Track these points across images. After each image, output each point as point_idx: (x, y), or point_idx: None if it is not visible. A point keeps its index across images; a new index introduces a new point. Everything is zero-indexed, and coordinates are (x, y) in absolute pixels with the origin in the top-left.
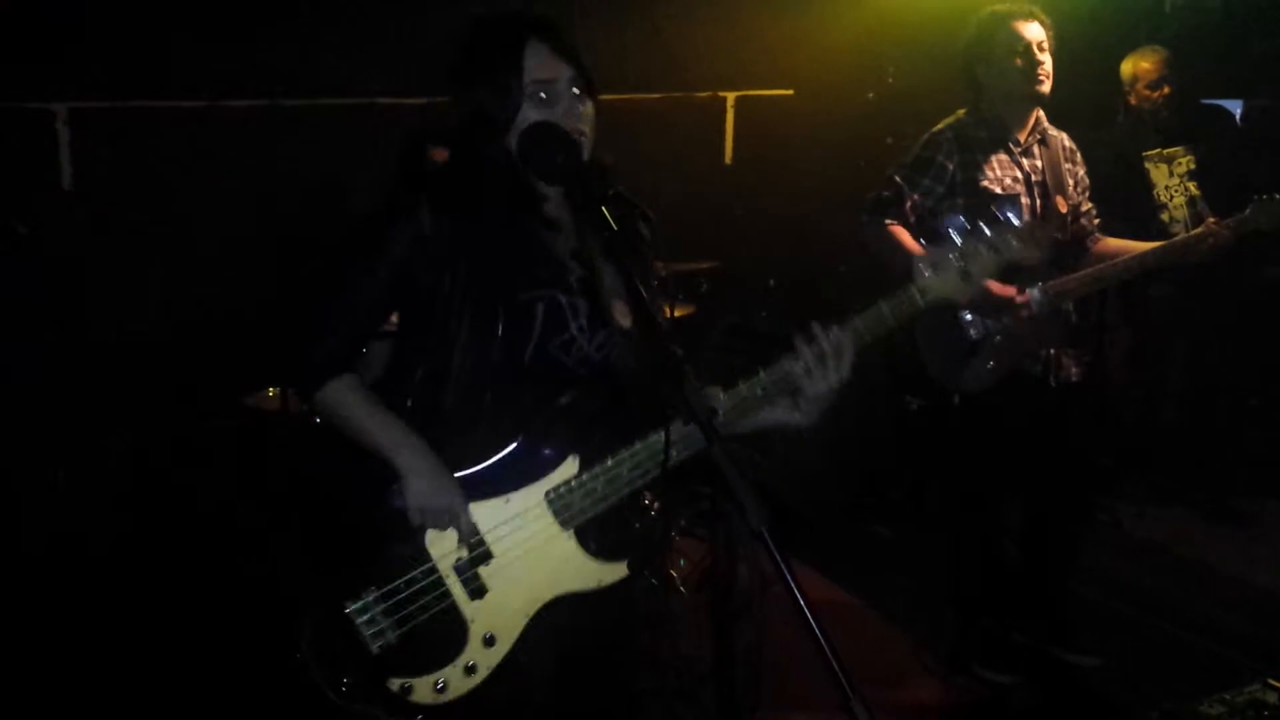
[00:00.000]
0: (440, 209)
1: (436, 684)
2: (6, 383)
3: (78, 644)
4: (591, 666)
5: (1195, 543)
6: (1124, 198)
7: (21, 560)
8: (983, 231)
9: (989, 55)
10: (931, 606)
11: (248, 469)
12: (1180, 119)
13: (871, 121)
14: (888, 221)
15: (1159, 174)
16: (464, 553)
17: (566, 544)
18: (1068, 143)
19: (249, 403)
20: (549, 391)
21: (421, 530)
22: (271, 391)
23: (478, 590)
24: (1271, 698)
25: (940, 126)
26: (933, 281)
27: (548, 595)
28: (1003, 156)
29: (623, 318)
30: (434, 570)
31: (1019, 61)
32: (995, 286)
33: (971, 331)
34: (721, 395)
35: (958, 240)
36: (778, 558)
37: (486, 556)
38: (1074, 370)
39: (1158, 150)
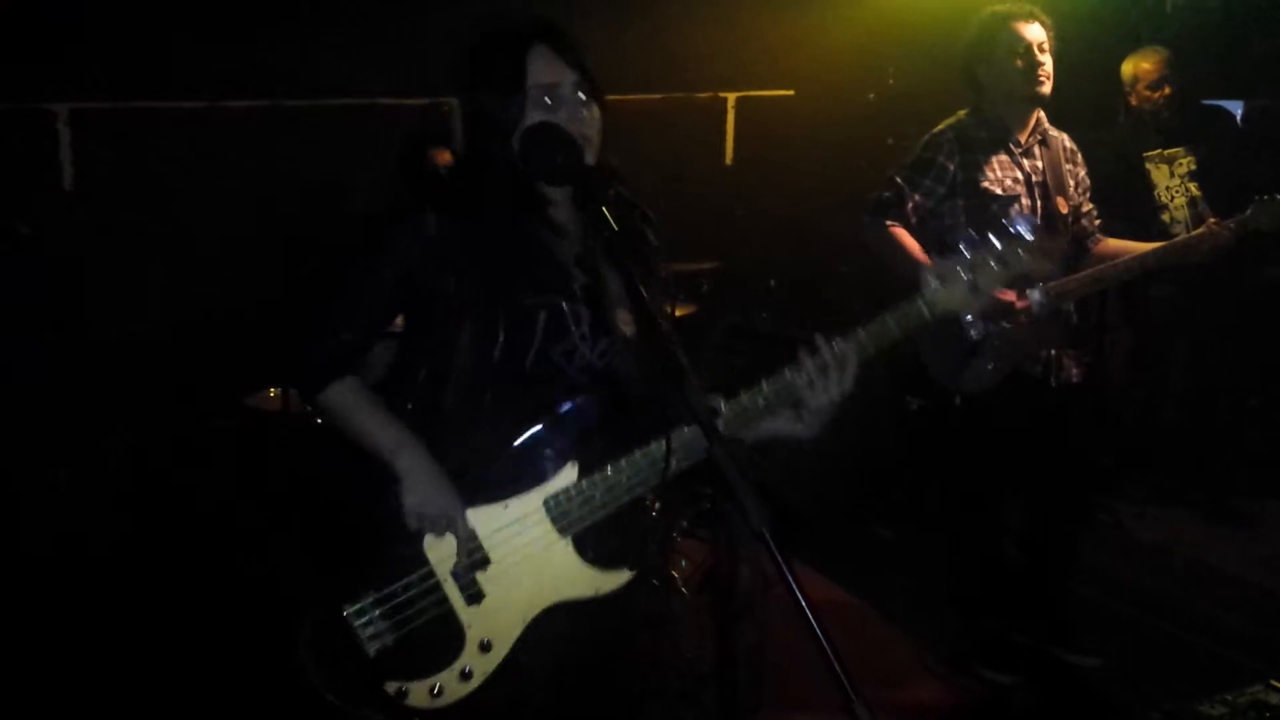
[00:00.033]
0: (444, 211)
1: (433, 688)
2: (7, 383)
3: (78, 644)
4: (589, 673)
5: (1195, 543)
6: (1125, 198)
7: (22, 560)
8: (991, 244)
9: (990, 56)
10: (932, 607)
11: (248, 469)
12: (1181, 119)
13: (872, 122)
14: (889, 222)
15: (1160, 174)
16: (462, 558)
17: (564, 551)
18: (1068, 143)
19: (250, 403)
20: (550, 398)
21: (419, 534)
22: (273, 392)
23: (475, 595)
24: (1273, 699)
25: (941, 127)
26: (940, 294)
27: (545, 602)
28: (1003, 157)
29: (626, 325)
30: (431, 575)
31: (1020, 62)
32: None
33: (972, 332)
34: (723, 405)
35: (966, 253)
36: (779, 558)
37: (484, 562)
38: (1074, 371)
39: (1158, 151)
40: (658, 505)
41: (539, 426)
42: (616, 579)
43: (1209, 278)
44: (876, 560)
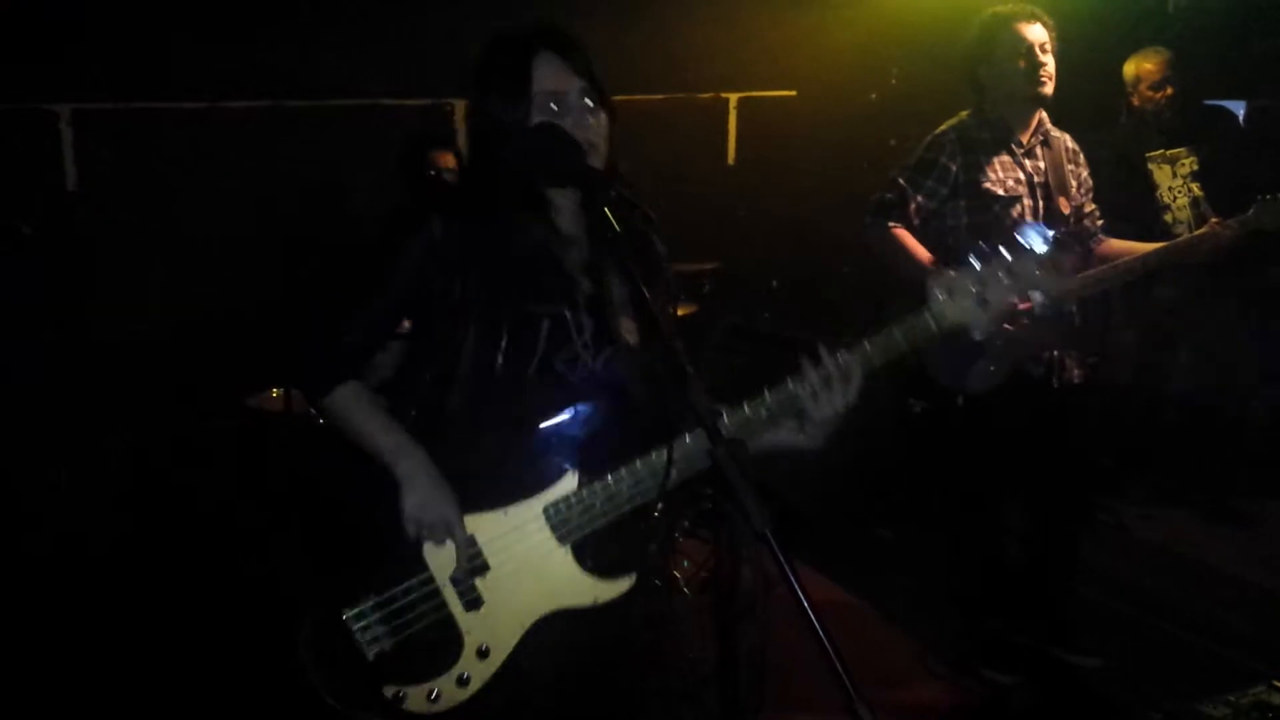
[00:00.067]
0: (451, 216)
1: (430, 693)
2: (8, 383)
3: (79, 644)
4: (589, 678)
5: (1196, 543)
6: (1127, 199)
7: (22, 560)
8: (1001, 256)
9: (991, 56)
10: (933, 607)
11: (248, 469)
12: (1183, 120)
13: (874, 122)
14: (891, 224)
15: (1162, 175)
16: (461, 563)
17: (563, 559)
18: (1070, 144)
19: (252, 403)
20: (552, 406)
21: (419, 540)
22: (275, 392)
23: (473, 602)
24: (1276, 699)
25: (943, 128)
26: (948, 307)
27: (543, 609)
28: (1005, 158)
29: (629, 334)
30: (430, 580)
31: (1021, 63)
32: None
33: (974, 333)
34: (725, 417)
35: (976, 265)
36: (781, 559)
37: (483, 568)
38: (1076, 372)
39: (1161, 151)
40: (659, 507)
41: (540, 434)
42: (615, 588)
43: (1211, 278)
44: (877, 561)
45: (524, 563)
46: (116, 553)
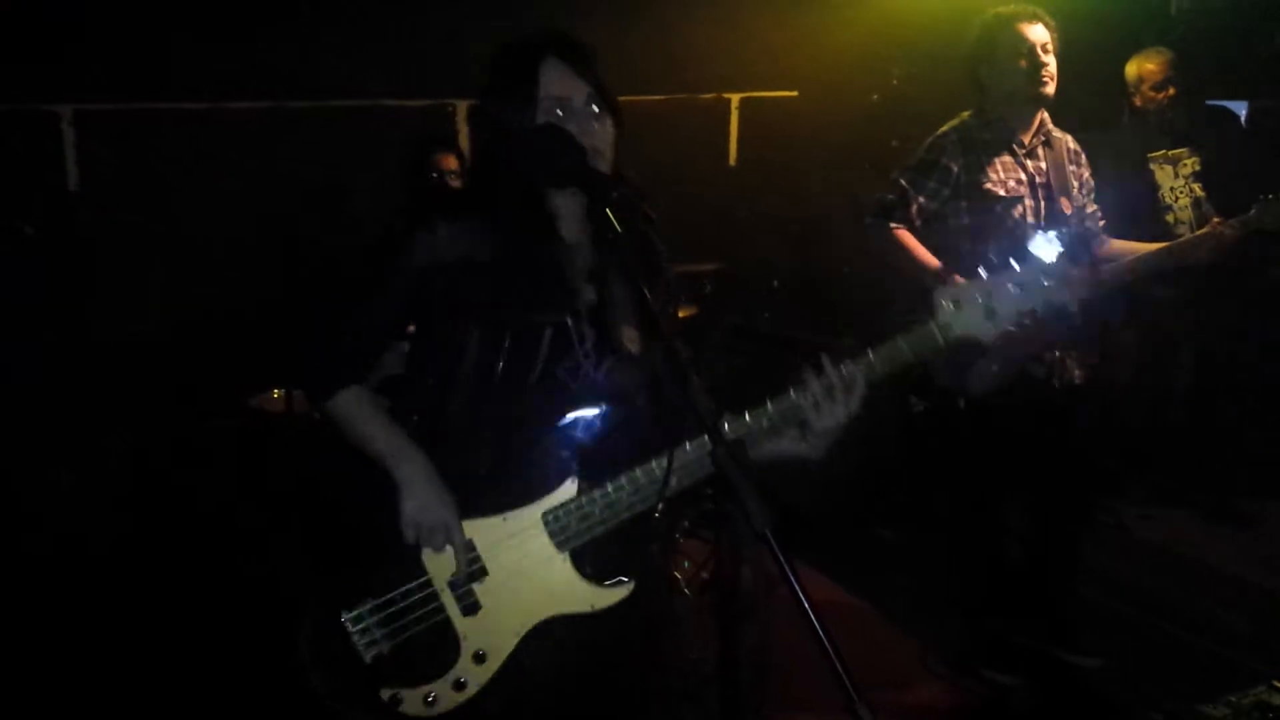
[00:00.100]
0: (455, 217)
1: (427, 697)
2: (9, 383)
3: (79, 644)
4: (589, 681)
5: (1196, 543)
6: (1129, 199)
7: (22, 560)
8: (1011, 268)
9: (993, 57)
10: (934, 608)
11: (248, 469)
12: (1185, 121)
13: (876, 123)
14: (893, 225)
15: (1164, 175)
16: (459, 568)
17: (561, 565)
18: (1072, 144)
19: (253, 403)
20: (552, 413)
21: (418, 544)
22: (276, 392)
23: (471, 606)
24: (1277, 700)
25: (944, 129)
26: (955, 318)
27: (541, 615)
28: (1006, 158)
29: (631, 342)
30: (429, 584)
31: (1023, 63)
32: None
33: (982, 344)
34: (726, 426)
35: (984, 275)
36: (781, 559)
37: (481, 573)
38: (1077, 372)
39: (1163, 152)
40: (659, 509)
41: (540, 441)
42: (613, 595)
43: (1213, 278)
44: (878, 561)
45: (522, 569)
46: (117, 553)
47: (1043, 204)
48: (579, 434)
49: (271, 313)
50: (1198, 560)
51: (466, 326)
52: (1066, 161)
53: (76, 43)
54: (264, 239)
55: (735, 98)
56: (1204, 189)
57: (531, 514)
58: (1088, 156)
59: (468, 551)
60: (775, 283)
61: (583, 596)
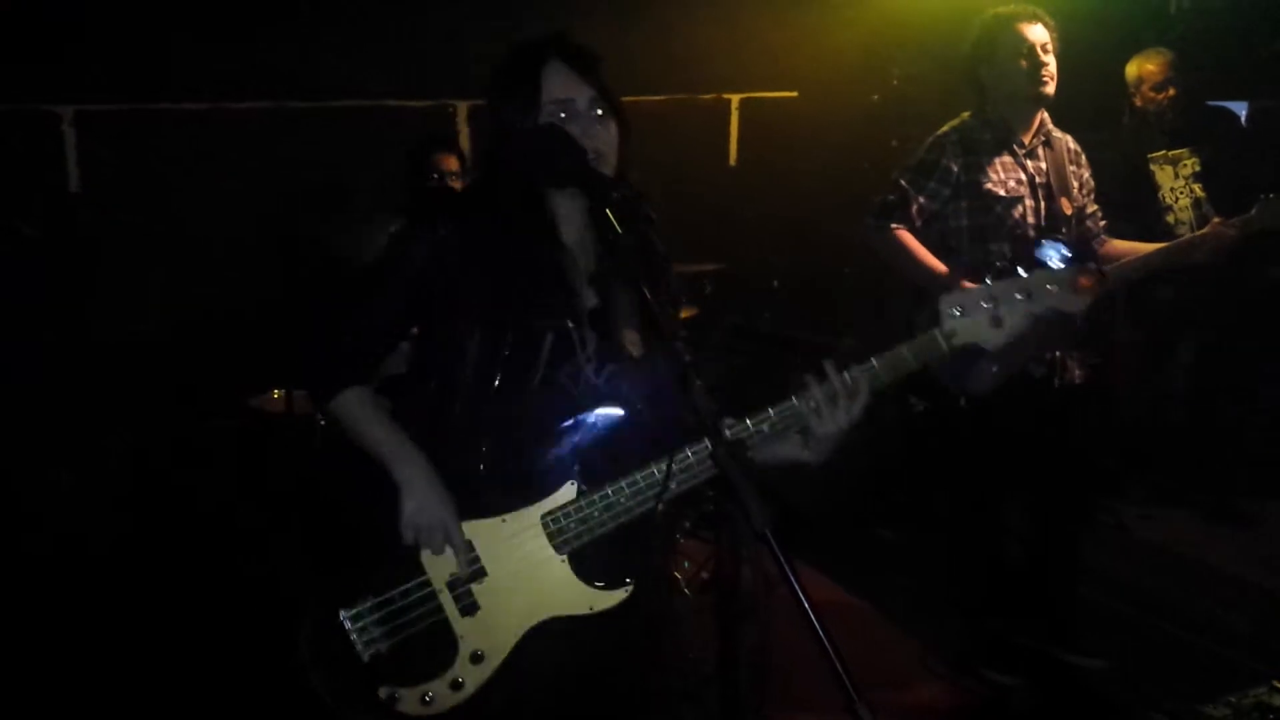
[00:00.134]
0: (457, 218)
1: (424, 696)
2: (9, 383)
3: (79, 644)
4: (588, 682)
5: (1196, 543)
6: (1129, 200)
7: (22, 560)
8: (1018, 274)
9: (993, 57)
10: (934, 608)
11: (248, 469)
12: (1185, 121)
13: (876, 123)
14: (894, 226)
15: (1164, 176)
16: (458, 569)
17: (560, 568)
18: (1072, 145)
19: (253, 404)
20: (553, 416)
21: (417, 545)
22: (276, 393)
23: (469, 607)
24: (1277, 700)
25: (944, 129)
26: (960, 324)
27: (539, 616)
28: (1006, 159)
29: (633, 346)
30: (428, 584)
31: (1023, 63)
32: None
33: (987, 350)
34: (727, 432)
35: (990, 281)
36: (781, 559)
37: (480, 574)
38: (1078, 372)
39: (1163, 152)
40: (659, 511)
41: (540, 444)
42: (612, 597)
43: (1213, 279)
44: (878, 561)
45: (521, 570)
46: (117, 553)
47: (1043, 204)
48: (579, 437)
49: (271, 313)
50: (1198, 560)
51: (467, 329)
52: (1067, 162)
53: (77, 43)
54: (264, 239)
55: (735, 98)
56: (1204, 189)
57: (531, 516)
58: (1088, 157)
59: (467, 552)
60: (775, 283)
61: (581, 598)
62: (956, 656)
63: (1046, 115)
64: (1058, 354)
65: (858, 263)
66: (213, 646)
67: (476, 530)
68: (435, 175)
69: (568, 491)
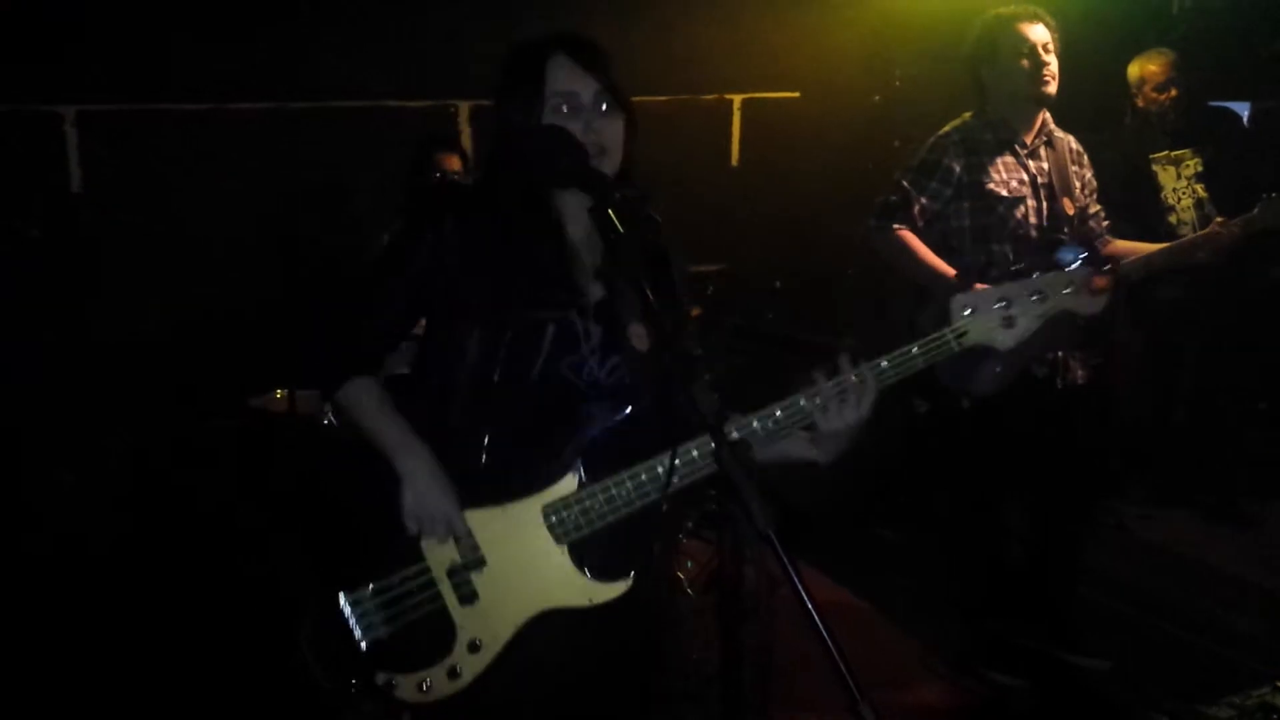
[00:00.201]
0: (463, 213)
1: (421, 683)
2: (10, 383)
3: (79, 644)
4: (589, 681)
5: (1196, 543)
6: (1132, 200)
7: (22, 560)
8: (1032, 275)
9: (994, 58)
10: (935, 608)
11: (249, 469)
12: (1188, 121)
13: (878, 124)
14: (896, 226)
15: (1166, 176)
16: (458, 557)
17: (560, 559)
18: (1074, 145)
19: (256, 403)
20: (555, 408)
21: (419, 534)
22: (279, 393)
23: (468, 596)
24: None
25: (946, 129)
26: (970, 324)
27: (537, 607)
28: (1008, 159)
29: (639, 340)
30: (427, 571)
31: (1024, 63)
32: None
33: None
34: (735, 433)
35: (1002, 281)
36: (784, 560)
37: (480, 563)
38: (1080, 373)
39: (1165, 153)
40: (663, 509)
41: (542, 435)
42: (611, 590)
43: (1215, 279)
44: (879, 561)
45: (520, 560)
46: (117, 553)
47: (1045, 205)
48: (582, 429)
49: (272, 313)
50: (1198, 560)
51: (468, 326)
52: (1069, 162)
53: (79, 44)
54: (265, 239)
55: (737, 99)
56: (1206, 190)
57: (531, 506)
58: (1090, 157)
59: (466, 540)
60: (778, 283)
61: (580, 590)
62: (957, 657)
63: (1048, 115)
64: (1060, 354)
65: (860, 263)
66: (213, 646)
67: (477, 520)
68: (437, 175)
69: (569, 483)
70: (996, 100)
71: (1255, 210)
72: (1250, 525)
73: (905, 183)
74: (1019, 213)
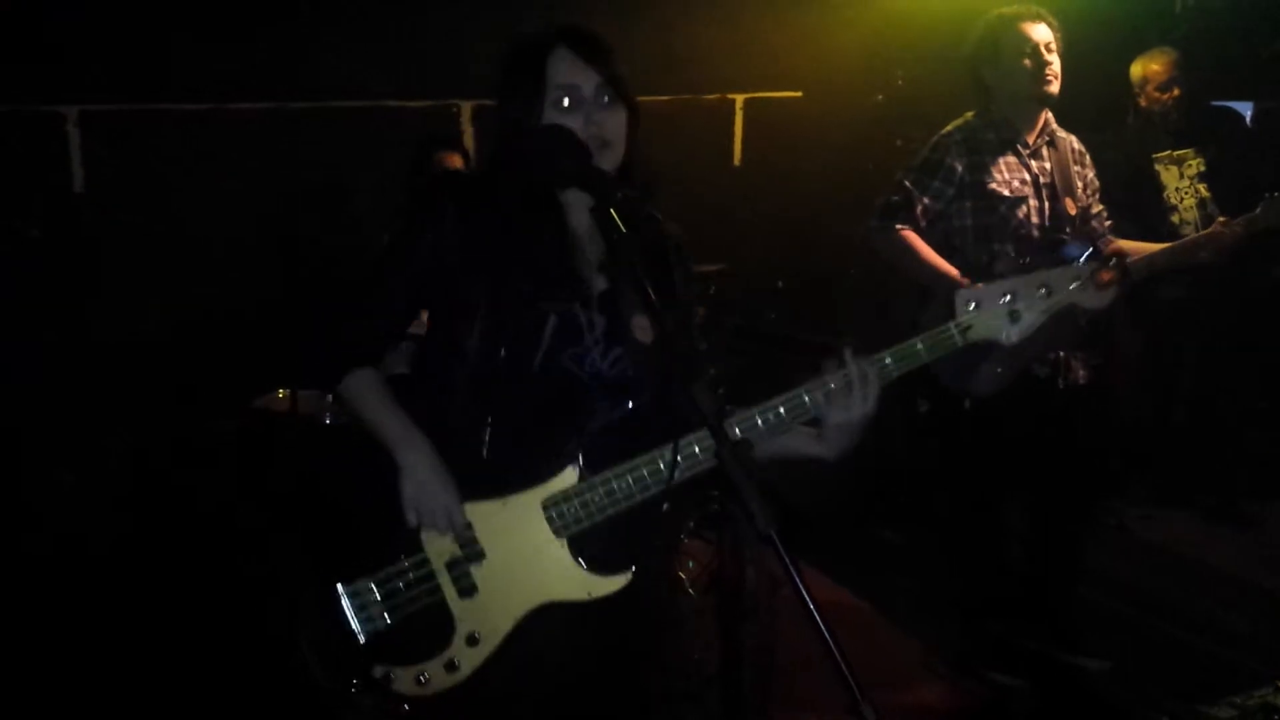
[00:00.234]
0: (465, 205)
1: (419, 676)
2: (10, 383)
3: (79, 644)
4: (589, 680)
5: (1196, 543)
6: (1134, 200)
7: (22, 560)
8: (1039, 270)
9: (996, 57)
10: (936, 609)
11: (249, 470)
12: (1190, 121)
13: (880, 123)
14: (899, 226)
15: (1169, 176)
16: (457, 550)
17: (559, 552)
18: (1077, 145)
19: (257, 404)
20: (556, 400)
21: (419, 526)
22: (281, 393)
23: (467, 589)
24: None
25: (948, 129)
26: (975, 318)
27: (536, 600)
28: (1011, 159)
29: (643, 334)
30: (426, 563)
31: (1027, 63)
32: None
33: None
34: (737, 428)
35: (1008, 276)
36: (785, 560)
37: (479, 556)
38: (1081, 373)
39: (1168, 152)
40: (665, 506)
41: (543, 427)
42: (610, 584)
43: (1217, 279)
44: (881, 562)
45: (520, 553)
46: (117, 553)
47: (1047, 204)
48: (583, 421)
49: (273, 313)
50: (1198, 560)
51: (469, 318)
52: (1071, 162)
53: (81, 44)
54: (266, 240)
55: (739, 98)
56: (1209, 189)
57: (531, 499)
58: (1092, 157)
59: (465, 533)
60: (780, 283)
61: (580, 584)
62: (958, 657)
63: (1050, 115)
64: (1061, 354)
65: (861, 263)
66: (213, 646)
67: (476, 512)
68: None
69: (569, 476)
70: (999, 100)
71: (1258, 210)
72: (1250, 525)
73: (907, 182)
74: (1021, 212)
